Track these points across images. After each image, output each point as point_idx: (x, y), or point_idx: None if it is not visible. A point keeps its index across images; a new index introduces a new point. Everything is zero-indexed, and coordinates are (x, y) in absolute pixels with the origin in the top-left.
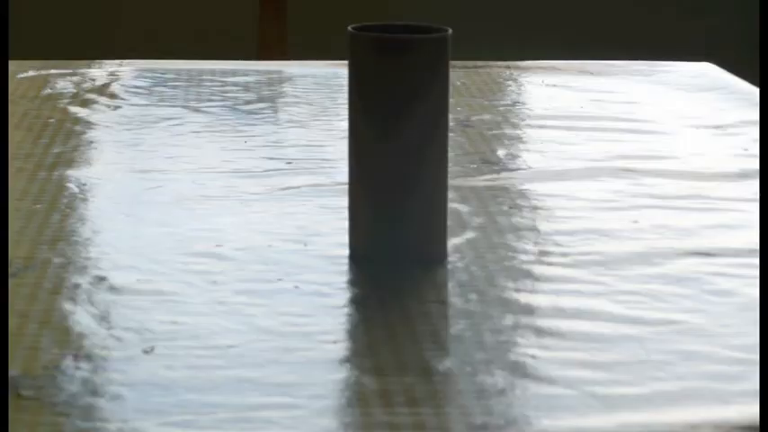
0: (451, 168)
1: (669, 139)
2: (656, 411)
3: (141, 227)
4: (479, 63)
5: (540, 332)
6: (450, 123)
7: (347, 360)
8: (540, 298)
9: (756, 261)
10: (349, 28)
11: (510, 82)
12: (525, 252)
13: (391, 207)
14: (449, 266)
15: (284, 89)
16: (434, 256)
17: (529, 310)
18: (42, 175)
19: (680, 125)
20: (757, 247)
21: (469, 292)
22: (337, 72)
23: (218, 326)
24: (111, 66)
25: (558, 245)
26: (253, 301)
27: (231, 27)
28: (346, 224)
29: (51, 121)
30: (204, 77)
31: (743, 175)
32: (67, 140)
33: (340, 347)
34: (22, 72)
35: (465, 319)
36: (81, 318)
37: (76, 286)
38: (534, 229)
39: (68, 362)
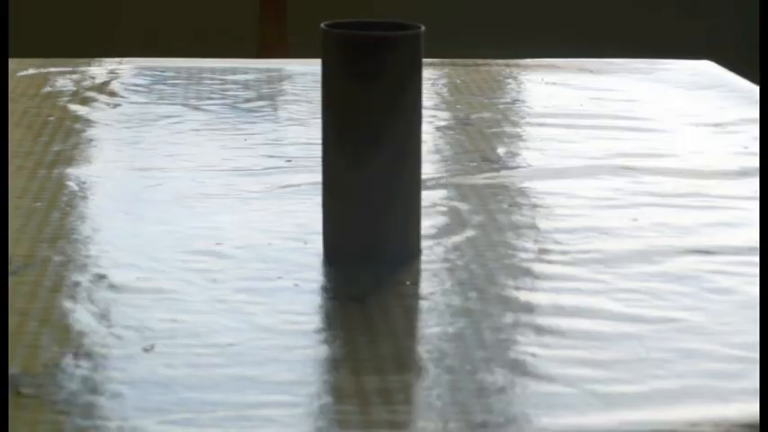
0: (451, 166)
1: (669, 137)
2: (655, 409)
3: (141, 225)
4: (479, 61)
5: (539, 330)
6: (450, 121)
7: (346, 358)
8: (540, 296)
9: (756, 259)
10: (322, 25)
11: (510, 80)
12: (525, 250)
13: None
14: (447, 264)
15: (284, 87)
16: (409, 252)
17: (529, 308)
18: (42, 173)
19: (680, 123)
20: (757, 244)
21: (469, 290)
22: None
23: (217, 324)
24: (110, 64)
25: (557, 243)
26: (252, 299)
27: (231, 27)
28: None
29: (51, 119)
30: (204, 75)
31: (742, 173)
32: (67, 138)
33: (339, 345)
34: (22, 70)
35: (465, 317)
36: (81, 316)
37: (76, 284)
38: (534, 227)
39: (68, 360)
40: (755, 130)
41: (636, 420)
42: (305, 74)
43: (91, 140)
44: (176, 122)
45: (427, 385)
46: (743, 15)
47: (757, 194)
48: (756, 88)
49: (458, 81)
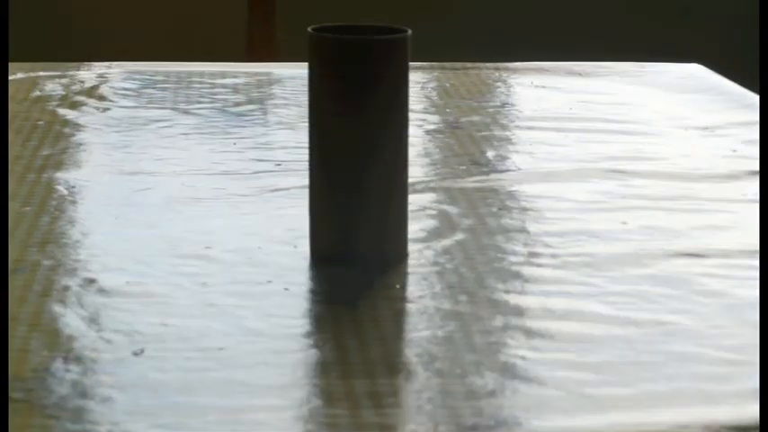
0: (440, 170)
1: (658, 141)
2: (645, 412)
3: (130, 229)
4: (468, 64)
5: (529, 333)
6: (440, 125)
7: (336, 361)
8: (530, 299)
9: (746, 262)
10: (309, 29)
11: (499, 83)
12: (515, 253)
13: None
14: (436, 268)
15: (273, 91)
16: (393, 255)
17: (518, 312)
18: (31, 177)
19: (669, 126)
20: (746, 248)
21: (459, 294)
22: None
23: (207, 328)
24: (99, 68)
25: (547, 246)
26: (242, 302)
27: (219, 29)
28: None
29: (40, 123)
30: (193, 79)
31: (731, 177)
32: (56, 143)
33: (329, 349)
34: (10, 74)
35: (454, 320)
36: (70, 320)
37: (66, 288)
38: (523, 230)
39: (58, 364)
40: (744, 134)
41: (625, 423)
42: (294, 77)
43: (80, 144)
44: (166, 126)
45: (417, 388)
46: (732, 19)
47: (746, 197)
48: (745, 92)
49: (447, 84)
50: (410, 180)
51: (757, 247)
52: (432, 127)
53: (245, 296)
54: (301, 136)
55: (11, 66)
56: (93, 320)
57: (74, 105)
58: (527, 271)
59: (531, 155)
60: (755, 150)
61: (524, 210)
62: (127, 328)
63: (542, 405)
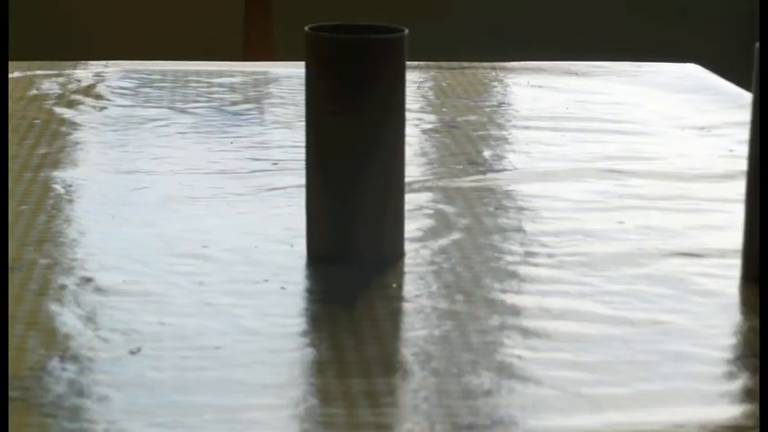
0: (437, 169)
1: (655, 140)
2: (641, 411)
3: (127, 228)
4: (465, 64)
5: (526, 333)
6: (437, 124)
7: (333, 361)
8: (527, 299)
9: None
10: (306, 28)
11: (495, 83)
12: (511, 253)
13: (344, 206)
14: (433, 267)
15: (270, 90)
16: (390, 254)
17: (515, 311)
18: (28, 176)
19: (665, 126)
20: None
21: (455, 293)
22: None
23: (204, 327)
24: (96, 67)
25: (543, 246)
26: (239, 301)
27: (216, 27)
28: None
29: (37, 122)
30: (190, 78)
31: (728, 176)
32: (53, 141)
33: (325, 348)
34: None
35: (451, 319)
36: (67, 319)
37: (63, 287)
38: (520, 229)
39: (55, 363)
40: (741, 133)
41: (622, 422)
42: (291, 77)
43: (77, 143)
44: (162, 125)
45: (413, 388)
46: (729, 19)
47: (742, 197)
48: (741, 92)
49: (444, 84)
50: (407, 179)
51: None
52: (428, 126)
53: (242, 295)
54: (298, 135)
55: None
56: (89, 319)
57: (70, 104)
58: (523, 270)
59: (528, 154)
60: None
61: (521, 209)
62: (124, 326)
63: (539, 404)
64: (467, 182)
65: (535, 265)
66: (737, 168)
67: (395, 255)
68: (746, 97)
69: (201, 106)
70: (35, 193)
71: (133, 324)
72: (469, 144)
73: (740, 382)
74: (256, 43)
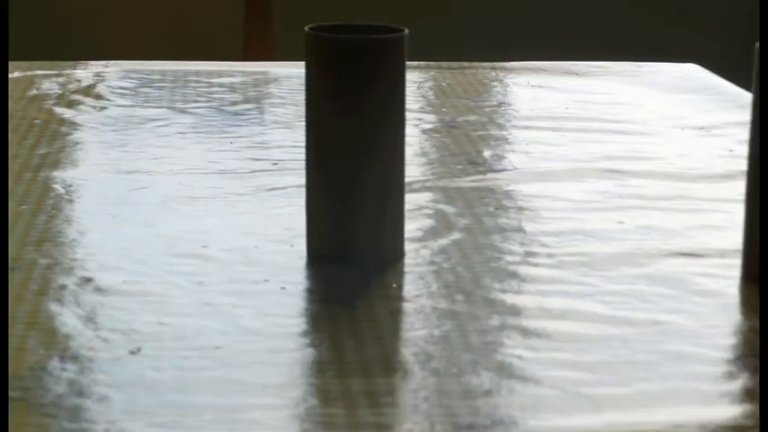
0: (437, 169)
1: (654, 140)
2: (641, 411)
3: (127, 228)
4: (465, 64)
5: (526, 333)
6: (437, 124)
7: (333, 361)
8: (526, 299)
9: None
10: (306, 28)
11: (496, 83)
12: (511, 253)
13: (344, 206)
14: (433, 267)
15: (270, 90)
16: (390, 254)
17: (515, 311)
18: (28, 176)
19: (665, 126)
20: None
21: (455, 293)
22: None
23: (204, 327)
24: (96, 67)
25: (543, 246)
26: (239, 301)
27: (216, 27)
28: None
29: (37, 122)
30: (190, 78)
31: (728, 176)
32: (53, 141)
33: (325, 348)
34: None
35: (451, 319)
36: (67, 319)
37: (63, 287)
38: (520, 229)
39: (55, 363)
40: (740, 133)
41: (621, 422)
42: (291, 77)
43: (77, 143)
44: (162, 125)
45: (413, 388)
46: (729, 19)
47: (742, 197)
48: (742, 92)
49: (444, 84)
50: (407, 179)
51: None
52: (428, 126)
53: (242, 295)
54: (298, 135)
55: (8, 64)
56: (89, 319)
57: (70, 104)
58: (523, 270)
59: (528, 154)
60: None
61: (521, 209)
62: (123, 326)
63: (538, 404)
64: (467, 182)
65: (535, 265)
66: (737, 168)
67: (395, 255)
68: (746, 97)
69: (201, 106)
70: (35, 193)
71: (133, 324)
72: (469, 144)
73: (740, 382)
74: (256, 43)
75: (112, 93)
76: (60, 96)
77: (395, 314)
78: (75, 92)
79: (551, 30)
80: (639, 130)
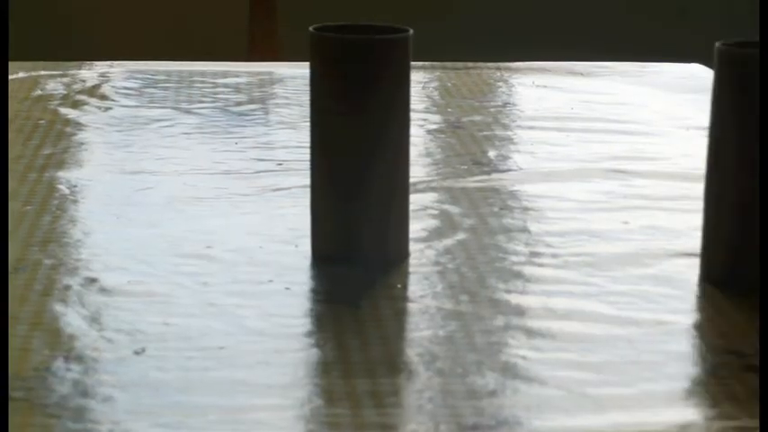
0: (442, 170)
1: (659, 141)
2: (646, 411)
3: (132, 228)
4: (470, 64)
5: (530, 333)
6: (441, 124)
7: (337, 361)
8: (531, 299)
9: None
10: (311, 28)
11: (500, 83)
12: (516, 253)
13: (349, 207)
14: (438, 267)
15: (275, 90)
16: (394, 254)
17: (519, 311)
18: (32, 176)
19: (670, 126)
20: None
21: (460, 294)
22: None
23: (208, 327)
24: (101, 67)
25: (548, 246)
26: (243, 302)
27: (221, 27)
28: None
29: (41, 122)
30: (195, 79)
31: None
32: (58, 142)
33: (330, 348)
34: (11, 74)
35: (456, 320)
36: (72, 319)
37: (67, 288)
38: (525, 230)
39: (59, 363)
40: None
41: (626, 423)
42: (295, 77)
43: (81, 144)
44: (167, 126)
45: (418, 388)
46: (729, 19)
47: None
48: None
49: (449, 84)
50: (411, 180)
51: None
52: (433, 126)
53: (247, 295)
54: (303, 135)
55: (12, 65)
56: (94, 320)
57: (75, 104)
58: (528, 271)
59: (533, 154)
60: None
61: (526, 209)
62: (128, 327)
63: (543, 405)
64: (471, 182)
65: (540, 265)
66: None
67: (399, 255)
68: None
69: (206, 107)
70: (39, 193)
71: (138, 324)
72: (474, 144)
73: (742, 383)
74: (261, 43)
75: (117, 93)
76: (65, 97)
77: (399, 314)
78: (80, 92)
79: (551, 30)
80: (644, 130)
